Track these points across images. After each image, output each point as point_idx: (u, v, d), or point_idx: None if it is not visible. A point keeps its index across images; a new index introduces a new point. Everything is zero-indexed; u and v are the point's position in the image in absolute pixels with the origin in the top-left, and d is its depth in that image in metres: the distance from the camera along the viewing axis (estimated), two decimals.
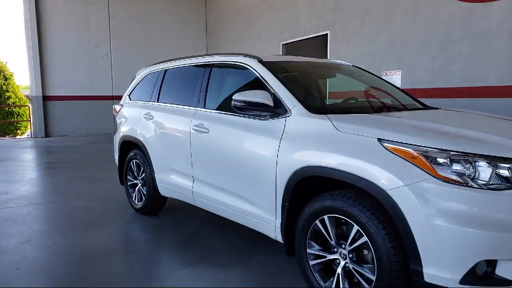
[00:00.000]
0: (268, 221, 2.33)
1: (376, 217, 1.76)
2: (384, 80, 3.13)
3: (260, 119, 2.41)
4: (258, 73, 2.55)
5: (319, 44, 8.55)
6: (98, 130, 12.17)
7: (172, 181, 3.25)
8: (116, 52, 12.28)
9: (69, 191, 4.82)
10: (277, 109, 2.31)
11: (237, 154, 2.51)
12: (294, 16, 8.75)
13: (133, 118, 3.79)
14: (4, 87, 17.34)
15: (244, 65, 2.70)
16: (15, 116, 17.36)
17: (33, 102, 11.47)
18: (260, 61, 2.64)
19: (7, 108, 17.02)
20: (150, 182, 3.54)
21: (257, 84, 2.58)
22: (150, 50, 12.69)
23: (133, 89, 4.12)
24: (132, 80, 4.31)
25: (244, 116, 2.53)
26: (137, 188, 3.83)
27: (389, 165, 1.72)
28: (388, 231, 1.73)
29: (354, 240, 1.87)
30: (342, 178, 1.89)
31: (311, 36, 8.28)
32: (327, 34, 7.83)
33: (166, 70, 3.62)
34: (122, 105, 4.19)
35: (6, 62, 18.16)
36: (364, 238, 1.80)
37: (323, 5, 7.83)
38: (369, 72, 3.22)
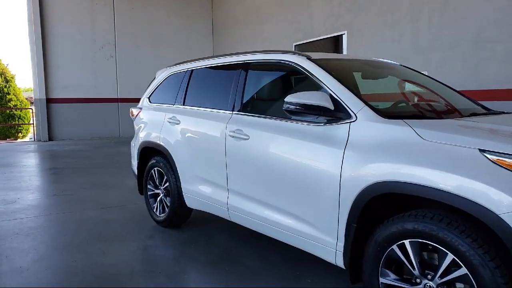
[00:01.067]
0: (326, 243, 2.02)
1: (480, 245, 1.46)
2: (439, 82, 2.83)
3: (315, 125, 2.11)
4: (310, 72, 2.25)
5: (332, 45, 8.28)
6: (102, 133, 11.87)
7: (202, 192, 2.95)
8: (121, 53, 11.99)
9: (81, 199, 4.51)
10: (338, 113, 2.01)
11: (286, 165, 2.21)
12: (308, 16, 8.48)
13: (155, 123, 3.49)
14: (5, 89, 17.04)
15: (290, 63, 2.41)
16: (16, 119, 17.06)
17: (36, 105, 11.16)
18: (310, 59, 2.34)
19: (8, 111, 16.71)
20: (175, 193, 3.24)
21: (307, 85, 2.29)
22: (156, 51, 12.42)
23: (153, 91, 3.82)
24: (151, 82, 4.01)
25: (294, 121, 2.23)
26: (159, 198, 3.53)
27: (499, 182, 1.42)
28: (497, 264, 1.43)
29: (448, 271, 1.56)
30: (430, 196, 1.59)
31: (326, 36, 8.01)
32: (343, 34, 7.56)
33: (192, 71, 3.33)
34: (140, 108, 3.89)
35: (8, 64, 17.86)
36: (463, 270, 1.50)
37: (340, 5, 7.56)
38: (419, 72, 2.93)
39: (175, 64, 3.70)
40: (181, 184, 3.16)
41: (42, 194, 4.82)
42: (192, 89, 3.27)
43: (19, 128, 17.02)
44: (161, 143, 3.34)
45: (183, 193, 3.16)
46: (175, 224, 3.43)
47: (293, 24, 9.00)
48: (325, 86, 2.14)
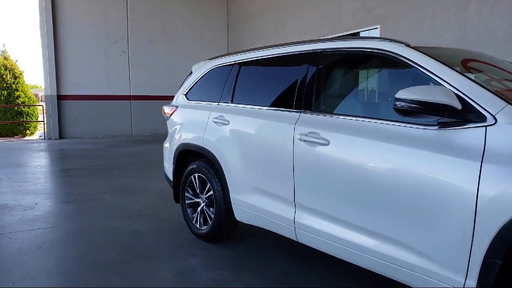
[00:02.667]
0: (446, 280, 1.58)
1: None
2: None
3: (425, 128, 1.68)
4: (417, 63, 1.81)
5: None
6: (114, 131, 11.48)
7: (257, 205, 2.52)
8: (134, 49, 11.59)
9: (104, 206, 4.10)
10: (467, 115, 1.57)
11: (386, 178, 1.78)
12: (336, 9, 8.02)
13: (197, 123, 3.07)
14: (14, 86, 16.69)
15: (382, 53, 1.96)
16: (24, 116, 16.74)
17: (47, 102, 10.80)
18: (411, 46, 1.90)
19: (16, 108, 16.39)
20: (221, 203, 2.82)
21: (408, 78, 1.86)
22: (169, 47, 12.01)
23: (191, 87, 3.39)
24: (187, 77, 3.59)
25: (393, 123, 1.80)
26: (199, 208, 3.10)
27: None
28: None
29: None
30: None
31: (356, 31, 7.55)
32: (375, 29, 7.10)
33: (241, 63, 2.89)
34: (176, 107, 3.46)
35: (17, 60, 17.55)
36: None
37: None
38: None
39: (217, 57, 3.27)
40: (230, 194, 2.73)
41: (61, 199, 4.41)
42: (242, 84, 2.84)
43: (27, 125, 16.71)
44: (205, 146, 2.91)
45: (231, 204, 2.73)
46: (219, 239, 3.00)
47: (319, 18, 8.54)
48: (441, 81, 1.70)
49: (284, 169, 2.28)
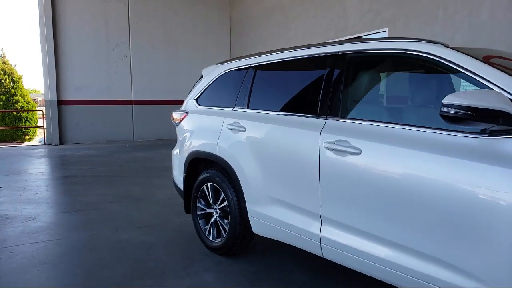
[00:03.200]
0: None
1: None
2: None
3: (474, 136, 1.52)
4: (461, 66, 1.65)
5: None
6: (115, 137, 11.31)
7: (276, 217, 2.35)
8: (136, 54, 11.45)
9: (109, 216, 3.92)
10: None
11: (427, 191, 1.62)
12: (342, 12, 7.90)
13: (210, 130, 2.91)
14: (12, 90, 16.54)
15: (420, 54, 1.81)
16: (23, 121, 16.57)
17: (47, 107, 10.62)
18: (450, 47, 1.75)
19: (15, 113, 16.22)
20: (236, 215, 2.65)
21: (449, 82, 1.71)
22: (171, 52, 11.88)
23: (202, 92, 3.23)
24: (197, 81, 3.43)
25: (438, 131, 1.64)
26: (212, 220, 2.93)
27: None
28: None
29: None
30: None
31: (362, 34, 7.42)
32: (383, 32, 6.97)
33: (257, 67, 2.74)
34: (186, 112, 3.31)
35: (15, 65, 17.41)
36: None
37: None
38: None
39: (230, 60, 3.11)
40: (247, 205, 2.56)
41: (63, 208, 4.23)
42: (259, 89, 2.68)
43: (26, 130, 16.53)
44: (219, 154, 2.75)
45: (248, 216, 2.57)
46: (234, 252, 2.83)
47: (324, 21, 8.42)
48: (491, 84, 1.55)
49: (308, 179, 2.12)
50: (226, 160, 2.68)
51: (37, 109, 16.48)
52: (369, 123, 1.93)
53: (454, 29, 5.76)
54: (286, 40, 9.77)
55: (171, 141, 11.26)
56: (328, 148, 2.02)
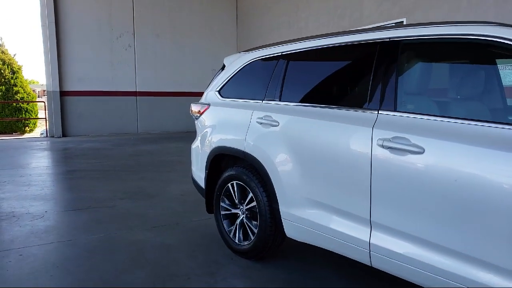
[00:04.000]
0: None
1: None
2: None
3: None
4: None
5: None
6: (120, 129, 11.07)
7: (316, 221, 2.13)
8: (140, 43, 11.15)
9: (122, 214, 3.71)
10: None
11: (509, 198, 1.40)
12: (357, 1, 7.61)
13: (236, 124, 2.67)
14: (12, 81, 16.26)
15: (492, 40, 1.57)
16: (24, 112, 16.29)
17: (49, 98, 10.36)
18: None
19: (15, 104, 15.94)
20: (267, 217, 2.43)
21: None
22: (176, 41, 11.58)
23: (226, 83, 2.99)
24: (219, 71, 3.19)
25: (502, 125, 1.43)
26: (238, 221, 2.71)
27: None
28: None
29: None
30: None
31: (379, 24, 7.14)
32: (401, 22, 6.69)
33: (290, 55, 2.50)
34: (208, 105, 3.07)
35: (15, 55, 17.07)
36: None
37: None
38: None
39: (257, 48, 2.87)
40: (280, 207, 2.34)
41: (72, 205, 4.01)
42: (293, 79, 2.44)
43: (26, 122, 16.27)
44: (247, 151, 2.52)
45: (281, 219, 2.35)
46: (263, 256, 2.62)
47: (337, 10, 8.13)
48: None
49: (357, 181, 1.89)
50: (256, 157, 2.45)
51: (39, 100, 16.18)
52: (432, 118, 1.70)
53: (480, 18, 5.49)
54: (296, 30, 9.48)
55: (177, 134, 11.02)
56: (382, 146, 1.79)
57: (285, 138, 2.28)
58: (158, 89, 11.46)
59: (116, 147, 8.45)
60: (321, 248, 2.21)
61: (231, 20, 12.41)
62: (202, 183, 3.07)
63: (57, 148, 8.30)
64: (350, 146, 1.93)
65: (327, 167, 2.04)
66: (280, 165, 2.29)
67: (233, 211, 2.76)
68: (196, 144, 3.24)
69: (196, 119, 3.23)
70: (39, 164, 6.50)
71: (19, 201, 4.15)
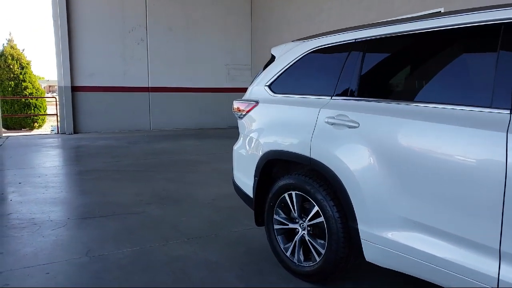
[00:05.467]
0: None
1: None
2: None
3: None
4: None
5: None
6: (132, 126, 10.73)
7: (414, 246, 1.73)
8: (153, 37, 10.77)
9: (152, 223, 3.35)
10: None
11: None
12: None
13: (297, 124, 2.29)
14: (21, 76, 15.99)
15: None
16: (32, 108, 16.04)
17: (60, 94, 10.03)
18: None
19: (23, 99, 15.68)
20: (340, 236, 2.05)
21: None
22: (190, 35, 11.18)
23: (278, 77, 2.61)
24: (267, 63, 2.80)
25: None
26: (297, 237, 2.34)
27: None
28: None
29: None
30: None
31: (412, 15, 6.68)
32: (439, 12, 6.24)
33: (369, 42, 2.10)
34: (256, 102, 2.69)
35: (23, 50, 16.79)
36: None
37: None
38: None
39: (317, 36, 2.47)
40: (358, 226, 1.96)
41: (96, 211, 3.66)
42: (375, 71, 2.06)
43: (35, 118, 16.01)
44: (314, 157, 2.14)
45: (360, 240, 1.98)
46: (328, 279, 2.25)
47: (363, 1, 7.69)
48: None
49: (482, 200, 1.51)
50: (326, 164, 2.07)
51: (50, 96, 15.89)
52: None
53: None
54: (317, 23, 9.04)
55: (190, 131, 10.66)
56: None
57: (370, 142, 1.90)
58: (171, 85, 11.09)
59: (131, 144, 8.11)
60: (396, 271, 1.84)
61: (246, 14, 11.97)
62: (249, 191, 2.70)
63: (70, 146, 7.97)
64: (474, 156, 1.54)
65: (439, 182, 1.65)
66: (361, 175, 1.91)
67: (291, 225, 2.39)
68: (239, 146, 2.87)
69: (240, 118, 2.86)
70: (54, 163, 6.17)
71: (38, 206, 3.81)
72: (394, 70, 2.02)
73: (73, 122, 10.10)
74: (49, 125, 17.74)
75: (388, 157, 1.82)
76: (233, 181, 2.98)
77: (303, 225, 2.32)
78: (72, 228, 3.22)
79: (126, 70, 10.59)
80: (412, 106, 1.81)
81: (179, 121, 11.26)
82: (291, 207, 2.36)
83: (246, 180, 2.72)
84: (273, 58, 2.78)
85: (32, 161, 6.25)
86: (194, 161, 6.30)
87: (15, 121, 16.00)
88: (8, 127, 15.06)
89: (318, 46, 2.40)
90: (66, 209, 3.75)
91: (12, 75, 15.83)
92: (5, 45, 16.21)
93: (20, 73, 16.03)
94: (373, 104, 1.98)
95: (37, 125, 16.48)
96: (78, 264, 2.54)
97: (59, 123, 10.34)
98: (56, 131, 10.88)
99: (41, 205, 3.86)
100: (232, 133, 10.56)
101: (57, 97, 10.44)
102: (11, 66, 16.20)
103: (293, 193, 2.33)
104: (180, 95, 11.23)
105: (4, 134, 9.80)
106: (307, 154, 2.18)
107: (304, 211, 2.31)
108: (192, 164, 6.03)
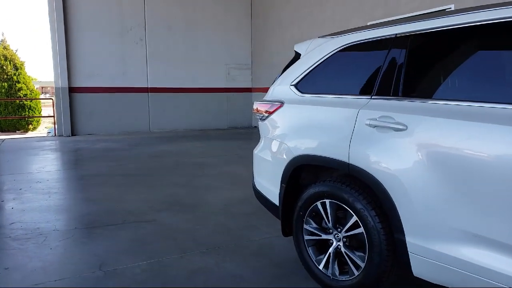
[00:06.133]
0: None
1: None
2: None
3: None
4: None
5: None
6: (131, 127, 10.49)
7: (469, 261, 1.58)
8: (152, 37, 10.54)
9: (166, 231, 3.15)
10: None
11: None
12: None
13: (332, 126, 2.12)
14: (15, 77, 15.67)
15: None
16: (27, 110, 15.71)
17: (58, 95, 9.78)
18: None
19: (18, 101, 15.35)
20: (383, 248, 1.88)
21: None
22: (190, 34, 10.97)
23: (306, 75, 2.43)
24: (292, 61, 2.63)
25: None
26: (331, 249, 2.17)
27: None
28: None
29: None
30: None
31: (419, 13, 6.56)
32: (449, 8, 6.12)
33: (413, 37, 1.93)
34: (281, 103, 2.51)
35: (17, 50, 16.50)
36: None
37: None
38: None
39: (348, 31, 2.30)
40: (406, 238, 1.80)
41: (105, 219, 3.45)
42: (422, 68, 1.89)
43: (29, 119, 15.69)
44: (353, 162, 1.97)
45: (408, 253, 1.81)
46: None
47: None
48: None
49: None
50: (367, 170, 1.90)
51: (48, 98, 15.63)
52: None
53: None
54: (320, 22, 8.89)
55: (191, 132, 10.45)
56: None
57: (421, 147, 1.73)
58: (170, 85, 10.87)
59: (132, 147, 7.89)
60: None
61: (246, 13, 11.78)
62: (273, 199, 2.52)
63: (69, 149, 7.73)
64: None
65: (506, 192, 1.48)
66: (411, 183, 1.74)
67: (324, 236, 2.22)
68: (261, 149, 2.70)
69: (262, 120, 2.68)
70: (54, 167, 5.94)
71: (42, 214, 3.60)
72: (443, 67, 1.86)
73: (71, 124, 9.85)
74: (43, 127, 17.41)
75: (443, 163, 1.65)
76: (254, 187, 2.80)
77: (338, 236, 2.15)
78: (81, 238, 3.02)
79: (124, 70, 10.35)
80: (466, 106, 1.65)
81: (179, 122, 11.05)
82: (324, 217, 2.19)
83: (270, 187, 2.54)
84: (297, 56, 2.60)
85: (31, 166, 6.02)
86: (200, 163, 6.10)
87: (9, 123, 15.69)
88: (2, 129, 14.74)
89: (352, 42, 2.22)
90: (72, 217, 3.55)
91: (5, 76, 15.51)
92: None
93: (14, 74, 15.71)
94: (420, 104, 1.81)
95: (32, 127, 16.16)
96: (92, 279, 2.34)
97: (56, 125, 10.08)
98: (53, 134, 10.62)
99: (45, 213, 3.64)
100: (233, 134, 10.38)
101: (54, 98, 10.17)
102: (5, 67, 15.87)
103: (327, 201, 2.15)
104: (179, 96, 11.02)
105: None
106: (344, 159, 2.01)
107: (339, 221, 2.14)
108: (198, 167, 5.84)
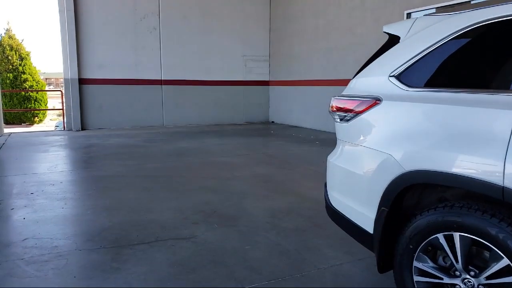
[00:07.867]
0: None
1: None
2: None
3: None
4: None
5: None
6: (144, 121, 9.94)
7: None
8: (166, 25, 9.93)
9: (209, 253, 2.60)
10: None
11: None
12: None
13: (470, 134, 1.54)
14: (20, 68, 15.17)
15: None
16: (33, 101, 15.21)
17: (67, 86, 9.22)
18: None
19: (23, 93, 14.84)
20: None
21: None
22: (206, 23, 10.35)
23: (413, 64, 1.85)
24: (385, 46, 2.04)
25: None
26: None
27: None
28: None
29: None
30: None
31: (454, 2, 5.93)
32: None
33: None
34: (376, 100, 1.93)
35: (22, 40, 15.90)
36: None
37: None
38: None
39: (478, 7, 1.72)
40: None
41: (135, 236, 2.90)
42: None
43: (36, 112, 15.20)
44: (511, 186, 1.40)
45: None
46: None
47: None
48: None
49: None
50: None
51: (51, 89, 15.16)
52: None
53: None
54: (348, 9, 8.26)
55: (207, 128, 9.89)
56: None
57: None
58: (185, 77, 10.28)
59: (148, 143, 7.34)
60: None
61: (265, 1, 11.11)
62: (363, 224, 1.96)
63: (81, 145, 7.19)
64: None
65: None
66: None
67: (447, 280, 1.65)
68: (342, 158, 2.13)
69: (345, 120, 2.10)
70: (67, 166, 5.41)
71: (59, 227, 3.07)
72: None
73: (81, 117, 9.31)
74: (49, 119, 16.92)
75: None
76: (330, 205, 2.24)
77: (471, 282, 1.58)
78: (110, 262, 2.48)
79: (137, 61, 9.77)
80: None
81: (193, 116, 10.49)
82: (450, 254, 1.63)
83: (359, 208, 1.97)
84: (394, 39, 2.02)
85: (42, 164, 5.48)
86: (226, 163, 5.55)
87: (15, 115, 15.21)
88: (7, 121, 14.23)
89: (486, 20, 1.63)
90: (95, 232, 3.00)
91: (10, 66, 14.99)
92: (3, 35, 15.34)
93: (20, 65, 15.18)
94: None
95: (38, 119, 15.67)
96: None
97: (65, 119, 9.54)
98: (61, 127, 10.10)
99: (62, 225, 3.11)
100: (252, 129, 9.79)
101: (63, 90, 9.62)
102: (10, 57, 15.35)
103: (457, 234, 1.58)
104: (194, 88, 10.44)
105: (5, 131, 9.00)
106: (495, 180, 1.44)
107: (472, 262, 1.58)
108: (226, 168, 5.28)
